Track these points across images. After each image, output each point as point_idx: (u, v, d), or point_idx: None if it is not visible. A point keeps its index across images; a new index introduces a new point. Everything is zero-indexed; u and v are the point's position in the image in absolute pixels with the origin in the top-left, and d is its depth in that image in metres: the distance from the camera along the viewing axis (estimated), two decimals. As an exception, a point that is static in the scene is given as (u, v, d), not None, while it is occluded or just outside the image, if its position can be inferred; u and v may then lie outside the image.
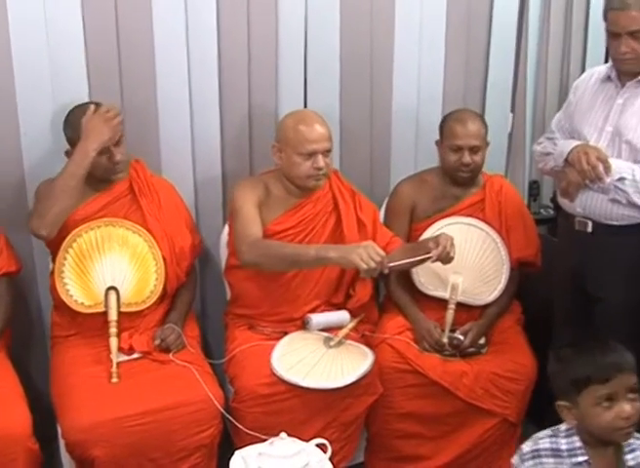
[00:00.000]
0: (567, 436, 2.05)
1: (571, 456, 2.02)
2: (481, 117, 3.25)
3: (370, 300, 3.16)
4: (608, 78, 2.84)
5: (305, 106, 3.34)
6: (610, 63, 2.84)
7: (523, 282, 3.27)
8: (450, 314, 3.03)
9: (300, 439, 2.21)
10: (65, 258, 2.83)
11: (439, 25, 3.49)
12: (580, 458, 2.01)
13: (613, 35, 2.70)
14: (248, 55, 3.19)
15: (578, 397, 1.97)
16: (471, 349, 3.04)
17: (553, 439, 2.06)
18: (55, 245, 2.86)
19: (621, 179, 2.69)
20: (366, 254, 2.60)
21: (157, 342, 2.85)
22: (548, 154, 2.97)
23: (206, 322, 3.38)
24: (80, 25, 2.92)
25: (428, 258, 2.75)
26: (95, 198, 2.91)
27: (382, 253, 2.64)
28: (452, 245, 2.77)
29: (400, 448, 3.01)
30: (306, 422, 2.80)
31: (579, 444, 2.02)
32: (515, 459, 2.09)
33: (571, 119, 2.95)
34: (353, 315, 3.09)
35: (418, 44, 3.48)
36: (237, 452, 2.18)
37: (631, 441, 2.02)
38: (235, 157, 3.31)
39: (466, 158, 3.10)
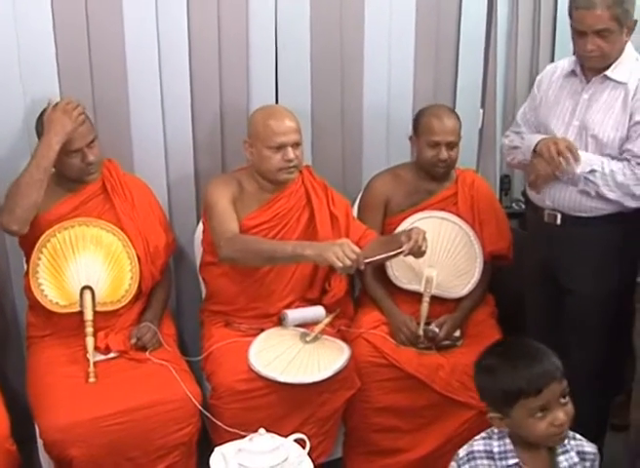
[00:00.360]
0: (499, 438, 2.03)
1: (502, 459, 2.00)
2: (455, 112, 3.27)
3: (345, 295, 3.17)
4: (572, 73, 2.87)
5: (277, 103, 3.34)
6: (573, 58, 2.87)
7: (494, 275, 3.29)
8: (424, 307, 3.05)
9: (278, 434, 2.22)
10: (40, 258, 2.82)
11: (409, 22, 3.51)
12: (511, 461, 1.99)
13: (579, 33, 2.72)
14: (218, 52, 3.19)
15: (510, 409, 1.94)
16: (446, 342, 3.06)
17: (487, 441, 2.04)
18: (28, 245, 2.85)
19: (592, 172, 2.72)
20: (341, 252, 2.61)
21: (133, 341, 2.84)
22: (516, 148, 3.00)
23: (182, 319, 3.37)
24: (50, 23, 2.91)
25: (402, 252, 2.77)
26: (68, 198, 2.90)
27: (358, 250, 2.65)
28: (424, 238, 2.78)
29: (378, 442, 3.02)
30: (284, 418, 2.81)
31: (510, 446, 2.01)
32: (452, 465, 2.06)
33: (537, 113, 2.97)
34: (329, 310, 3.09)
35: (387, 40, 3.50)
36: (217, 449, 2.19)
37: (564, 442, 2.02)
38: (208, 155, 3.31)
39: (443, 154, 3.12)
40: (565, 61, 2.95)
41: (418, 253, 2.78)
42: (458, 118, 3.21)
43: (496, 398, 2.00)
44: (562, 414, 1.92)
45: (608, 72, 2.76)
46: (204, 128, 3.27)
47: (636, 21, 2.73)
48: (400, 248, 2.75)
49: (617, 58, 2.74)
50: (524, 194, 3.69)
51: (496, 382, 1.99)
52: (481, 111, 3.77)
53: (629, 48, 2.76)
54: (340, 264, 2.60)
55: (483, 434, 2.08)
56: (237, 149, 3.17)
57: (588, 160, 2.73)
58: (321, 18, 3.33)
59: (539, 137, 2.84)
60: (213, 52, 3.18)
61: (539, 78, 3.04)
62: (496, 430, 2.05)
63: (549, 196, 2.88)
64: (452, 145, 3.14)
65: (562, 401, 1.93)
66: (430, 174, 3.22)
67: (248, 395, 2.76)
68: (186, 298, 3.40)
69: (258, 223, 3.00)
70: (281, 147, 2.92)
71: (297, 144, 2.96)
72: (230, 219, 2.91)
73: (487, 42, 3.67)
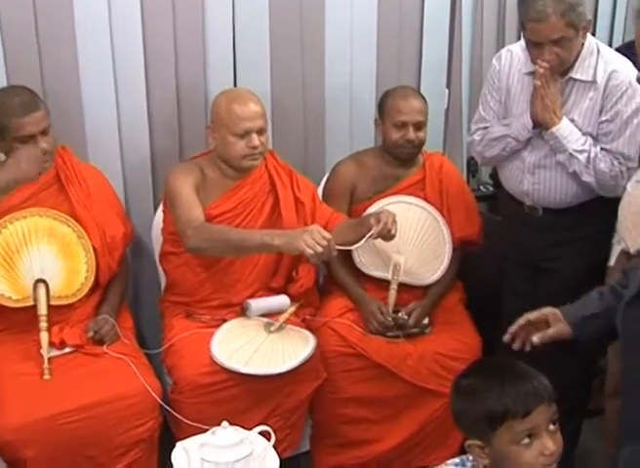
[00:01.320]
0: (473, 467, 1.88)
1: None
2: (422, 94, 3.22)
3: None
4: (533, 73, 2.81)
5: (235, 86, 3.25)
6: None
7: (464, 260, 3.25)
8: (392, 295, 3.01)
9: (243, 428, 2.14)
10: (-10, 251, 2.73)
11: (371, 2, 3.43)
12: None
13: (534, 44, 2.69)
14: (174, 33, 3.10)
15: (492, 435, 1.75)
16: (415, 329, 3.02)
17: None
18: (-22, 237, 2.74)
19: (582, 151, 2.73)
20: (311, 240, 2.53)
21: (91, 334, 2.76)
22: (503, 136, 2.91)
23: (140, 311, 3.29)
24: (-5, 5, 2.81)
25: (371, 236, 2.71)
26: (20, 188, 2.78)
27: (328, 235, 2.58)
28: (393, 221, 2.72)
29: (346, 434, 2.98)
30: (249, 411, 2.75)
31: None
32: None
33: (506, 107, 2.95)
34: (294, 299, 3.04)
35: (349, 21, 3.42)
36: (179, 444, 2.12)
37: None
38: (164, 140, 3.22)
39: (411, 134, 3.07)
40: (518, 48, 2.90)
41: (387, 236, 2.73)
42: (424, 99, 3.16)
43: (477, 421, 1.79)
44: (551, 443, 1.73)
45: (572, 74, 2.75)
46: (160, 112, 3.17)
47: (590, 21, 2.73)
48: (369, 230, 2.69)
49: (576, 59, 2.73)
50: (492, 177, 3.67)
51: (478, 403, 1.79)
52: (446, 92, 3.71)
53: (589, 43, 2.74)
54: (312, 252, 2.53)
55: (456, 460, 1.92)
56: (195, 132, 3.11)
57: (579, 138, 2.75)
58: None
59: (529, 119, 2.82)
60: (168, 33, 3.08)
61: (497, 67, 2.97)
62: (470, 457, 1.88)
63: (528, 195, 2.91)
64: (419, 126, 3.09)
65: (551, 428, 1.76)
66: (397, 157, 3.16)
67: (211, 388, 2.70)
68: (144, 289, 3.31)
69: (221, 212, 2.93)
70: (246, 134, 2.84)
71: (262, 130, 2.89)
72: (195, 208, 2.83)
73: (451, 21, 3.61)
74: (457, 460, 1.91)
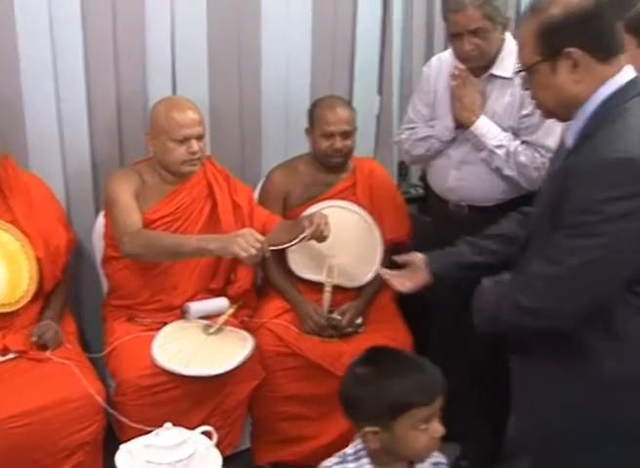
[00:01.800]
0: (355, 459, 1.91)
1: None
2: (349, 102, 3.30)
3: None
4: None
5: (175, 94, 3.31)
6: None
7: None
8: (327, 297, 3.09)
9: (185, 428, 2.19)
10: None
11: (305, 11, 3.53)
12: None
13: (454, 35, 2.80)
14: (114, 42, 3.14)
15: (393, 421, 1.83)
16: (349, 329, 3.11)
17: (341, 465, 1.91)
18: None
19: (500, 146, 2.83)
20: (245, 243, 2.62)
21: (34, 339, 2.78)
22: (427, 137, 3.03)
23: (82, 315, 3.30)
24: None
25: (304, 237, 2.79)
26: (-41, 199, 2.81)
27: (261, 237, 2.67)
28: (326, 223, 2.82)
29: (285, 431, 3.05)
30: (190, 411, 2.80)
31: (368, 467, 1.90)
32: None
33: (433, 109, 3.05)
34: (233, 301, 3.10)
35: (284, 29, 3.51)
36: (122, 446, 2.15)
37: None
38: (105, 147, 3.25)
39: (338, 143, 3.16)
40: (447, 55, 3.01)
41: (320, 237, 2.83)
42: (352, 108, 3.25)
43: (380, 409, 1.85)
44: (440, 427, 1.87)
45: (493, 70, 2.85)
46: (100, 119, 3.21)
47: (509, 18, 2.84)
48: (303, 232, 2.79)
49: (497, 55, 2.84)
50: (422, 179, 3.78)
51: (383, 392, 1.85)
52: (378, 98, 3.81)
53: (509, 41, 2.84)
54: (245, 255, 2.62)
55: (334, 459, 1.94)
56: (136, 140, 3.15)
57: (497, 135, 2.84)
58: (218, 7, 3.31)
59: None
60: (108, 41, 3.12)
61: (427, 73, 3.10)
62: (349, 451, 1.93)
63: (453, 192, 2.99)
64: (346, 134, 3.17)
65: (439, 414, 1.90)
66: (327, 165, 3.24)
67: (152, 390, 2.74)
68: (86, 294, 3.33)
69: (160, 216, 2.98)
70: (185, 140, 2.90)
71: (200, 137, 2.95)
72: (133, 214, 2.88)
73: (383, 29, 3.72)
74: (335, 460, 1.94)
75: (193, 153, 2.93)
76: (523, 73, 1.93)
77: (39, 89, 3.06)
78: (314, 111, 3.23)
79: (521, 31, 1.92)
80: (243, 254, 2.62)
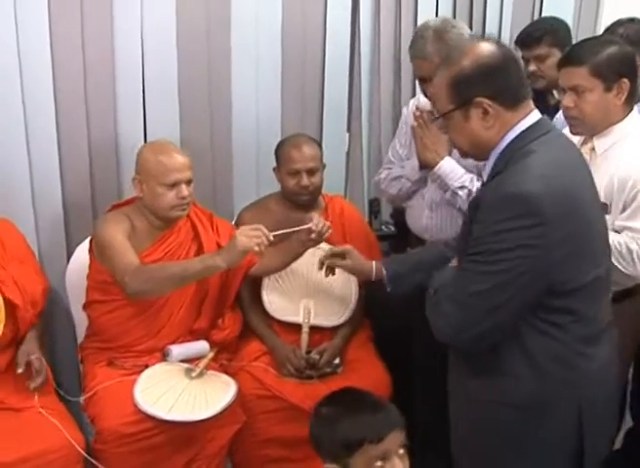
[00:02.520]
0: None
1: None
2: (314, 140, 3.32)
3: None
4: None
5: (145, 134, 3.31)
6: None
7: (372, 297, 3.33)
8: (304, 338, 3.08)
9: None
10: None
11: (274, 51, 3.56)
12: None
13: (420, 79, 2.88)
14: (84, 86, 3.15)
15: (349, 459, 1.94)
16: (327, 369, 3.09)
17: None
18: None
19: (462, 187, 2.86)
20: (246, 239, 2.60)
21: (20, 370, 2.73)
22: (399, 177, 3.08)
23: (55, 359, 3.22)
24: None
25: (307, 229, 2.80)
26: None
27: (256, 225, 2.66)
28: (329, 226, 2.85)
29: (267, 474, 3.02)
30: (172, 457, 2.77)
31: None
32: None
33: (409, 149, 3.10)
34: (214, 345, 3.07)
35: (255, 69, 3.54)
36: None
37: None
38: (76, 192, 3.24)
39: (305, 181, 3.17)
40: (423, 97, 3.05)
41: (322, 232, 2.83)
42: (317, 144, 3.28)
43: (335, 447, 1.97)
44: (401, 465, 1.94)
45: None
46: (72, 165, 3.20)
47: None
48: (299, 244, 2.87)
49: None
50: (392, 216, 3.81)
51: (337, 430, 1.97)
52: (347, 135, 3.84)
53: None
54: (252, 244, 2.59)
55: None
56: (107, 185, 3.16)
57: (461, 176, 2.86)
58: (188, 48, 3.33)
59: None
60: (78, 86, 3.13)
61: (405, 113, 3.16)
62: None
63: (427, 230, 3.04)
64: (312, 171, 3.18)
65: (400, 452, 1.95)
66: (297, 202, 3.25)
67: (134, 437, 2.70)
68: (58, 337, 3.27)
69: (150, 261, 2.93)
70: (175, 185, 2.88)
71: (189, 181, 2.93)
72: (129, 254, 2.83)
73: (351, 68, 3.75)
74: None
75: (183, 198, 2.90)
76: (440, 119, 2.06)
77: (9, 135, 3.06)
78: (280, 150, 3.24)
79: (436, 81, 2.05)
80: (254, 248, 2.59)
